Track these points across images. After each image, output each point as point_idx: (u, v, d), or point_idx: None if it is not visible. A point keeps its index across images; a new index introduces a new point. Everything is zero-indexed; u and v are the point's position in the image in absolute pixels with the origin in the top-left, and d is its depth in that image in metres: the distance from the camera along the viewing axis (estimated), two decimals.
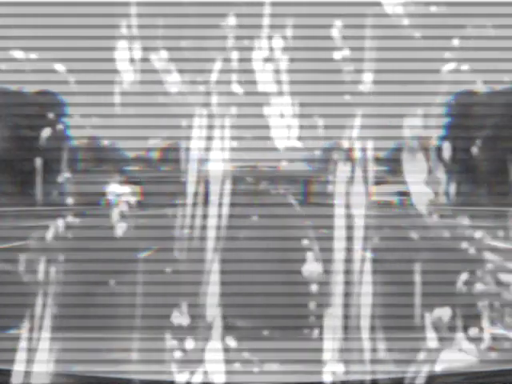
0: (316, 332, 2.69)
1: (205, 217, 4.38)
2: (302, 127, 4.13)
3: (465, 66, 4.99)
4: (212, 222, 3.98)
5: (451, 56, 5.08)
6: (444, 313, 2.99)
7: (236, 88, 4.15)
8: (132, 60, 4.40)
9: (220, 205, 4.09)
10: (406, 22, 4.13)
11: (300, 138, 4.04)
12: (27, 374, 2.01)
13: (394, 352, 2.36)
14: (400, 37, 4.44)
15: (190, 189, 4.74)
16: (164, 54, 4.59)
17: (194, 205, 5.17)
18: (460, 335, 2.43)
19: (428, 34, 4.62)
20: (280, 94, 3.82)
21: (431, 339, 2.39)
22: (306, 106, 4.68)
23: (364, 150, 4.84)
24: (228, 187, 4.02)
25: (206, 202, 4.42)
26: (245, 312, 5.83)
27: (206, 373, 2.11)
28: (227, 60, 4.28)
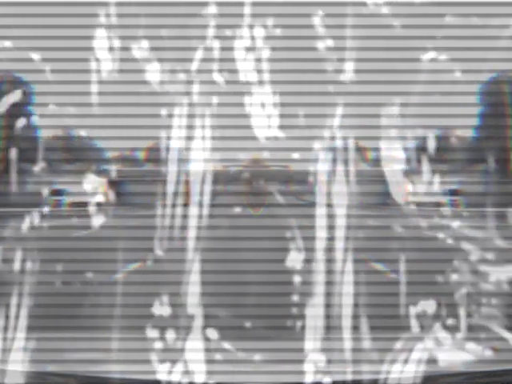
0: (298, 331, 2.65)
1: (185, 217, 4.33)
2: (285, 127, 4.09)
3: (444, 56, 4.97)
4: (193, 222, 3.93)
5: (432, 45, 5.07)
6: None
7: (220, 84, 4.11)
8: (113, 60, 4.35)
9: (201, 205, 4.04)
10: (387, 11, 4.12)
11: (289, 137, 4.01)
12: (1, 372, 1.96)
13: (384, 352, 2.33)
14: (382, 26, 4.42)
15: (170, 189, 4.69)
16: (145, 52, 4.54)
17: (174, 206, 5.11)
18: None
19: (410, 22, 4.59)
20: (262, 86, 3.79)
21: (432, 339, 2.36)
22: (292, 105, 4.64)
23: (378, 150, 4.81)
24: (209, 187, 3.98)
25: (189, 202, 4.37)
26: (227, 312, 5.81)
27: (186, 372, 2.07)
28: (209, 60, 4.24)
